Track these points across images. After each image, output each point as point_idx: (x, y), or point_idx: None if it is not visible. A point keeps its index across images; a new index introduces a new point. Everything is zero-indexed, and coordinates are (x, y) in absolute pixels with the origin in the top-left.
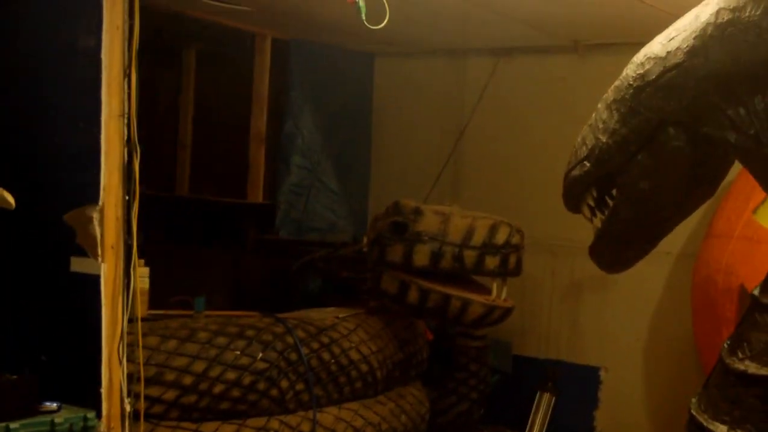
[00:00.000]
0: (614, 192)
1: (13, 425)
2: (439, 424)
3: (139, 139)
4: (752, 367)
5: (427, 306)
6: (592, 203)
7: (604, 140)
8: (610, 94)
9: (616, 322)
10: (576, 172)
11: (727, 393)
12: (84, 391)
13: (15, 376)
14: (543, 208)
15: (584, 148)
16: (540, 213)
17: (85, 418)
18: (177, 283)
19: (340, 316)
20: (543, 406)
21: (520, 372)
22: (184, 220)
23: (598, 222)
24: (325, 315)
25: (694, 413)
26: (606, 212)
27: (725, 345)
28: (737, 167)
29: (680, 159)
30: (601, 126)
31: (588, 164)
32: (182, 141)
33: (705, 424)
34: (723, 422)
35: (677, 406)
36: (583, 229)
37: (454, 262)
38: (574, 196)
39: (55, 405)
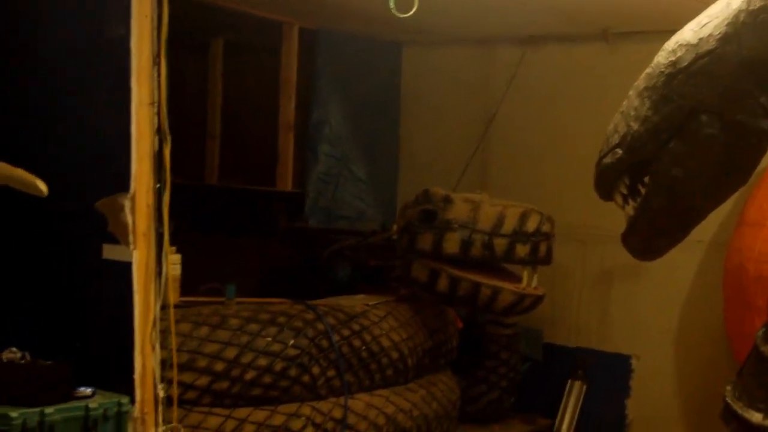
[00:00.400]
0: (647, 180)
1: (48, 410)
2: (470, 412)
3: (168, 128)
4: None
5: (458, 294)
6: (624, 191)
7: (636, 128)
8: (641, 82)
9: (647, 311)
10: (608, 160)
11: (762, 380)
12: (117, 377)
13: (49, 362)
14: (573, 197)
15: (616, 135)
16: (570, 201)
17: (119, 404)
18: (208, 271)
19: (371, 303)
20: (574, 394)
21: (551, 360)
22: (213, 209)
23: (630, 210)
24: (355, 302)
25: (729, 401)
26: (638, 200)
27: (760, 333)
28: None
29: (713, 146)
30: (632, 113)
31: (620, 152)
32: (211, 131)
33: (740, 411)
34: (758, 410)
35: (709, 395)
36: (614, 217)
37: (484, 250)
38: (606, 183)
39: (89, 390)
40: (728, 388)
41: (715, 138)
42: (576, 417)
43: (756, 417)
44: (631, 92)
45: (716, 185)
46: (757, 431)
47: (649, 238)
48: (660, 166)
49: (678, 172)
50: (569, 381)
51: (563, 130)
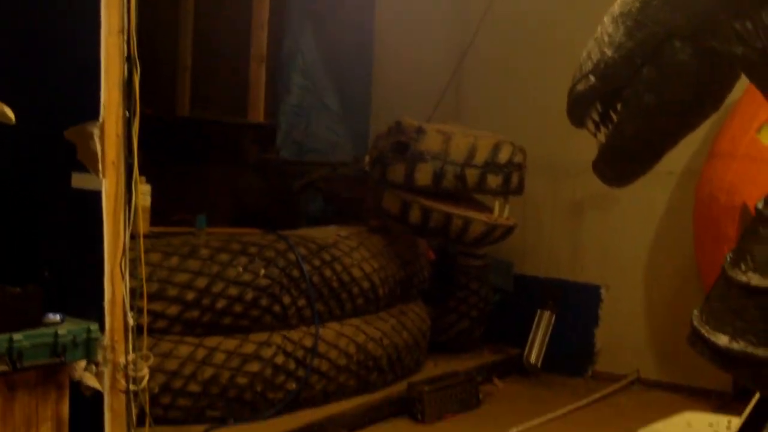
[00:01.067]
0: (619, 106)
1: (16, 336)
2: (440, 342)
3: (138, 57)
4: (755, 279)
5: (429, 225)
6: (596, 118)
7: (610, 54)
8: (616, 8)
9: (618, 241)
10: (581, 87)
11: (729, 305)
12: (87, 305)
13: (18, 289)
14: (545, 128)
15: (589, 62)
16: (542, 133)
17: (89, 330)
18: (178, 202)
19: (342, 234)
20: (543, 323)
21: (522, 291)
22: (185, 141)
23: (602, 137)
24: (327, 233)
25: (696, 325)
26: (610, 127)
27: (727, 258)
28: (741, 87)
29: (686, 73)
30: (606, 40)
31: (593, 78)
32: (182, 62)
33: (707, 335)
34: (725, 333)
35: (678, 324)
36: (585, 147)
37: (456, 181)
38: (578, 110)
39: (58, 317)
40: (695, 312)
41: (688, 64)
42: (545, 346)
43: (722, 340)
44: (605, 18)
45: (689, 112)
46: (723, 354)
47: (621, 164)
48: (633, 92)
49: (651, 98)
50: (539, 311)
51: (537, 62)
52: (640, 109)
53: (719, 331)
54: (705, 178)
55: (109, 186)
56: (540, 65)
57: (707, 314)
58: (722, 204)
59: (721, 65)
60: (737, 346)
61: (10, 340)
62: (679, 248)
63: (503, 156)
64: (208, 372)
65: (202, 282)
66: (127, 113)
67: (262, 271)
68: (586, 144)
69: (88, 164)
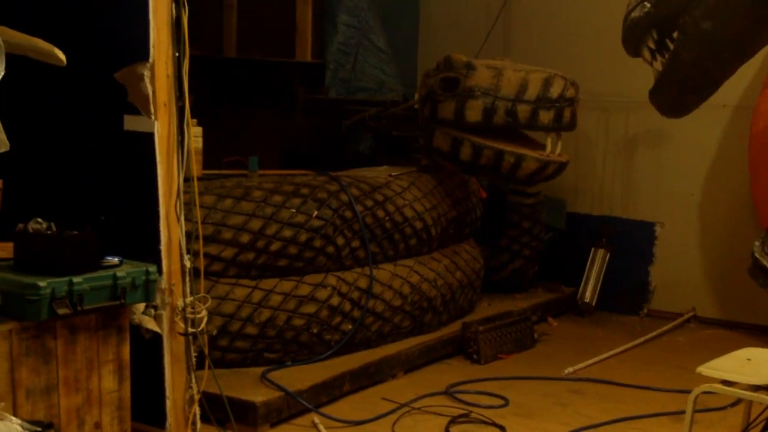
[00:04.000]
0: (675, 34)
1: (76, 279)
2: (494, 281)
3: None
4: None
5: (480, 162)
6: (652, 46)
7: None
8: None
9: (672, 177)
10: (636, 14)
11: None
12: (144, 248)
13: (76, 232)
14: (596, 63)
15: None
16: (593, 68)
17: (147, 272)
18: (229, 144)
19: (393, 174)
20: (597, 262)
21: (575, 229)
22: (232, 82)
23: (658, 65)
24: (378, 173)
25: (758, 256)
26: (667, 55)
27: None
28: None
29: None
30: None
31: (648, 5)
32: (228, 1)
33: None
34: None
35: (734, 261)
36: (637, 82)
37: (507, 117)
38: (634, 38)
39: (116, 260)
40: (756, 244)
41: None
42: (599, 284)
43: None
44: None
45: (746, 38)
46: None
47: (678, 94)
48: (689, 19)
49: (708, 25)
50: (592, 249)
51: None
52: (698, 36)
53: None
54: (760, 111)
55: (161, 128)
56: None
57: None
58: None
59: None
60: None
61: (70, 283)
62: (733, 183)
63: (555, 91)
64: (265, 314)
65: (256, 224)
66: (177, 54)
67: (315, 213)
68: (640, 78)
69: (140, 106)
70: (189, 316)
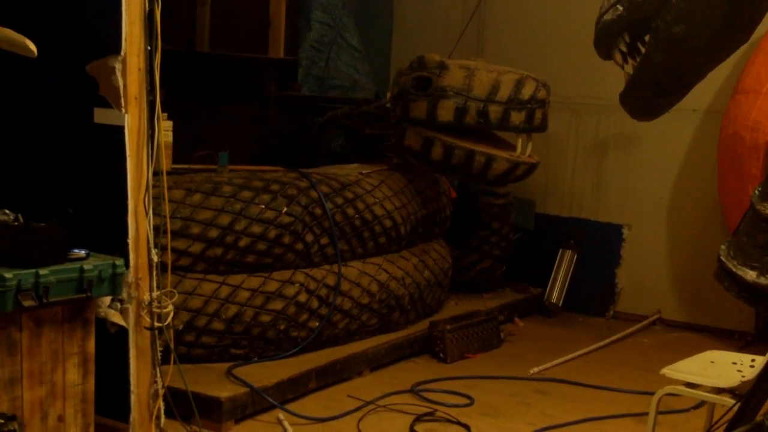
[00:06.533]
0: (647, 37)
1: (42, 271)
2: (462, 281)
3: None
4: None
5: (451, 162)
6: (624, 49)
7: None
8: None
9: (641, 180)
10: (609, 17)
11: (757, 240)
12: (111, 242)
13: (42, 224)
14: (568, 65)
15: None
16: (565, 70)
17: (114, 265)
18: (200, 139)
19: (364, 171)
20: (565, 263)
21: (543, 230)
22: (205, 77)
23: (629, 68)
24: (349, 171)
25: (724, 260)
26: (638, 58)
27: (756, 192)
28: (767, 23)
29: (714, 2)
30: None
31: (621, 8)
32: None
33: (734, 270)
34: (752, 268)
35: (700, 264)
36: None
37: (479, 117)
38: (606, 41)
39: (83, 252)
40: (722, 247)
41: None
42: (566, 285)
43: (750, 275)
44: None
45: (718, 42)
46: (750, 289)
47: (648, 97)
48: (661, 22)
49: (679, 28)
50: (560, 250)
51: None
52: (669, 39)
53: (747, 266)
54: (729, 116)
55: (131, 121)
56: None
57: (735, 249)
58: (747, 142)
59: None
60: (765, 281)
61: (36, 275)
62: (702, 188)
63: (526, 92)
64: (232, 310)
65: (224, 219)
66: (149, 47)
67: (285, 209)
68: (611, 81)
69: (111, 99)
70: (155, 310)
